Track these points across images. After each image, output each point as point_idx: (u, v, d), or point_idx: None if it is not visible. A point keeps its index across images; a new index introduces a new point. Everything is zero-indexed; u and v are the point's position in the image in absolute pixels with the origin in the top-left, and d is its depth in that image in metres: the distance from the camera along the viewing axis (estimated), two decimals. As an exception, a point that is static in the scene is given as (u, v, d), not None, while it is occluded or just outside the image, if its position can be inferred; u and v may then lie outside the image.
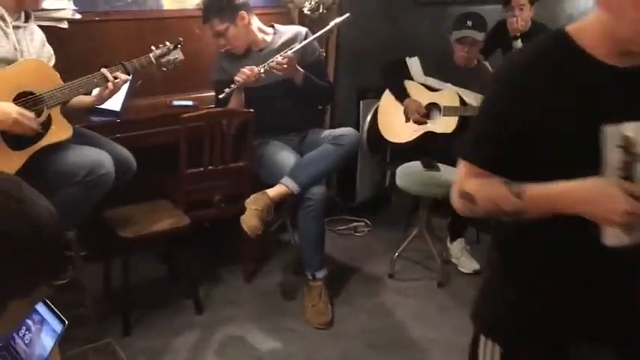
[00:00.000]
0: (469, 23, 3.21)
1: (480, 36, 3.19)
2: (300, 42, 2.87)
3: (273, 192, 2.64)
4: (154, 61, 2.53)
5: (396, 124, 3.34)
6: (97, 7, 2.90)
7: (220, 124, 2.66)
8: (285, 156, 2.79)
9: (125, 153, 2.50)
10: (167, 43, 2.59)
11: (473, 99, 3.28)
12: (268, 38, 2.94)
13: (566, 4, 5.19)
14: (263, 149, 2.85)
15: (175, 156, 2.63)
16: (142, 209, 2.65)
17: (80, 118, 2.57)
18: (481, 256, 3.20)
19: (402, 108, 3.35)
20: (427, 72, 3.37)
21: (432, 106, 3.29)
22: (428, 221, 3.11)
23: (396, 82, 3.36)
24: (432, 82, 3.34)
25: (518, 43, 3.87)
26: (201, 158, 2.67)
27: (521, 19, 3.88)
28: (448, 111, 3.22)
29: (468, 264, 3.15)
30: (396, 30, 3.91)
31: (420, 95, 3.32)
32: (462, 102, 3.25)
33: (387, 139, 3.38)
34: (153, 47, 2.55)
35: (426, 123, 3.26)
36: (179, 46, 2.61)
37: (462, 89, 3.28)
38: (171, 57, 2.59)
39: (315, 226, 2.69)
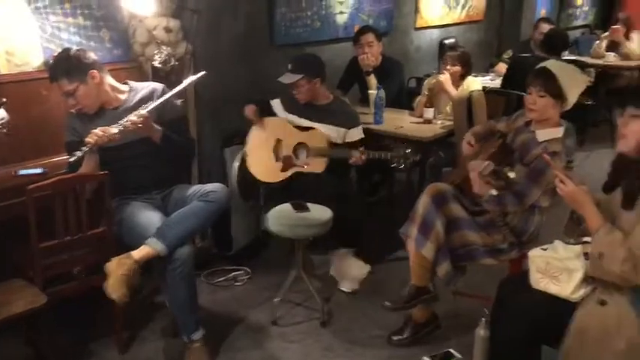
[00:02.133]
0: (289, 67, 3.38)
1: (291, 78, 3.32)
2: (157, 99, 2.79)
3: (138, 254, 2.51)
4: None
5: (266, 163, 3.35)
6: None
7: (73, 190, 2.50)
8: (148, 216, 2.67)
9: None
10: None
11: (334, 132, 3.38)
12: (123, 96, 2.83)
13: (414, 37, 5.55)
14: (123, 211, 2.71)
15: (27, 230, 2.43)
16: (-9, 293, 2.41)
17: None
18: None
19: (270, 147, 3.37)
20: (289, 110, 3.44)
21: (301, 146, 3.33)
22: (305, 261, 3.10)
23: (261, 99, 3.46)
24: (292, 118, 3.42)
25: (372, 78, 4.06)
26: (56, 229, 2.49)
27: (370, 54, 4.08)
28: (316, 152, 3.28)
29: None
30: (253, 72, 3.94)
31: (290, 134, 3.36)
32: (330, 143, 3.32)
33: (259, 178, 3.36)
34: None
35: (294, 164, 3.29)
36: (2, 105, 2.45)
37: (323, 124, 3.37)
38: None
39: (184, 288, 2.56)
